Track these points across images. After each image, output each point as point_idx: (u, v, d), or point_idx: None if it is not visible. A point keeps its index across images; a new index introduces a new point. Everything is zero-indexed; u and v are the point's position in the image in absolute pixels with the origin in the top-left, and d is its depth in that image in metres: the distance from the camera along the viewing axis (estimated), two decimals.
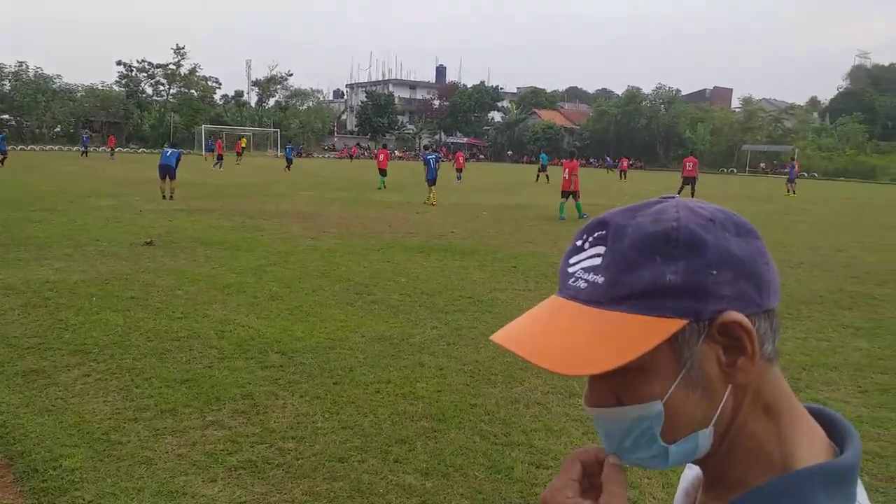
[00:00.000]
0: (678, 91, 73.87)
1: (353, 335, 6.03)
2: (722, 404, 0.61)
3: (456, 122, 79.33)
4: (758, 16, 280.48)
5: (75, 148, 53.35)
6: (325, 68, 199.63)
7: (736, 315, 0.59)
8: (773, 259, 0.64)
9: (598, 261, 0.62)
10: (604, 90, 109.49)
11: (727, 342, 0.60)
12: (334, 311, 6.82)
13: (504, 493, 3.47)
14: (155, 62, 65.99)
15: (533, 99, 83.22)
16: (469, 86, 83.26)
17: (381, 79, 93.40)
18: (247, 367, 5.14)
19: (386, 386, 4.84)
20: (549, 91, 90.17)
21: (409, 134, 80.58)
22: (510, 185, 30.65)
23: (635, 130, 70.15)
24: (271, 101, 74.62)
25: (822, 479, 0.60)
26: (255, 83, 74.60)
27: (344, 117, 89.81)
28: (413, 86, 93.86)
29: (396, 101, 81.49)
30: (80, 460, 3.61)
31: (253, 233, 12.10)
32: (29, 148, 52.14)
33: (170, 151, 18.51)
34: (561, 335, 0.61)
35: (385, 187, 24.79)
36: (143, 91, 66.64)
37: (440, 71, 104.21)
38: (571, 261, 0.65)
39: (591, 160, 67.75)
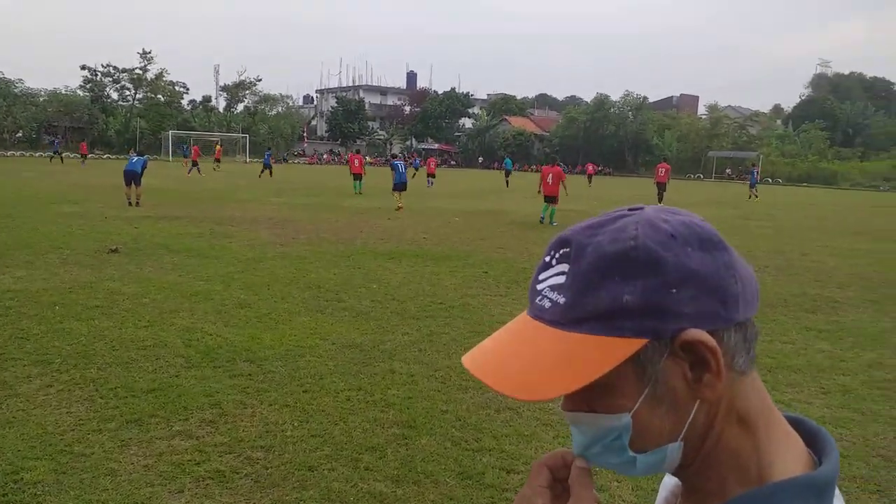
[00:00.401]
0: (645, 98, 74.83)
1: (323, 342, 5.99)
2: (690, 419, 0.61)
3: (427, 128, 79.37)
4: (724, 25, 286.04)
5: (38, 154, 52.28)
6: (294, 74, 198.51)
7: (696, 333, 0.58)
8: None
9: (562, 279, 0.62)
10: (573, 97, 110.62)
11: (692, 359, 0.59)
12: (304, 319, 6.77)
13: (475, 498, 3.47)
14: (121, 66, 64.98)
15: (503, 106, 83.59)
16: (440, 92, 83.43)
17: (351, 84, 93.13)
18: (214, 375, 5.07)
19: (356, 393, 4.81)
20: (519, 98, 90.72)
21: (379, 140, 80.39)
22: (481, 191, 30.75)
23: (604, 137, 70.87)
24: (240, 107, 73.88)
25: (798, 492, 0.59)
26: (224, 88, 73.80)
27: (314, 123, 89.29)
28: (384, 92, 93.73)
29: (367, 106, 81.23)
30: (42, 473, 3.52)
31: (221, 240, 11.96)
32: None
33: (135, 158, 18.22)
34: (522, 359, 0.61)
35: (361, 192, 24.97)
36: (109, 96, 65.39)
37: (411, 77, 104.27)
38: (540, 277, 0.65)
39: (561, 167, 68.08)
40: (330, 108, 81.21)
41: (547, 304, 0.62)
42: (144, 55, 64.94)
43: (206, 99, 74.30)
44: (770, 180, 60.19)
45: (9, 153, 52.37)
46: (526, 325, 0.64)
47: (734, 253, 0.62)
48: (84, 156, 43.37)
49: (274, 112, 75.15)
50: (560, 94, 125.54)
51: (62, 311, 6.68)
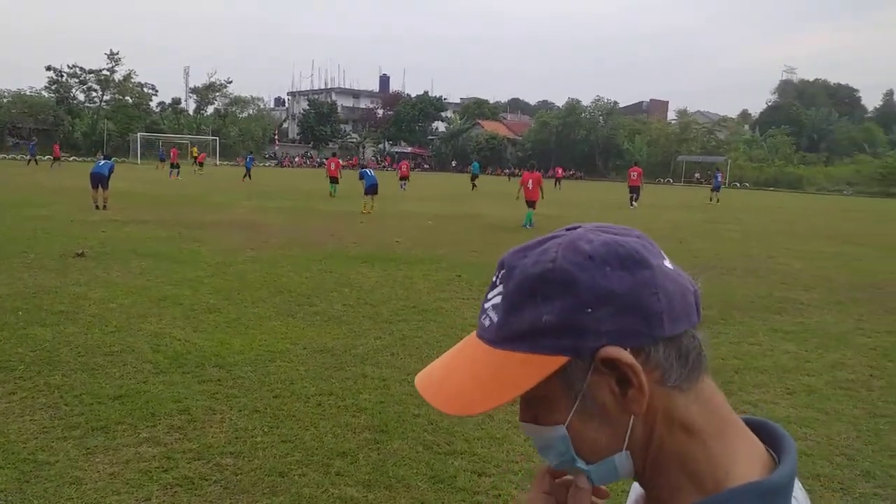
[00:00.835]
0: (616, 103, 75.60)
1: (294, 347, 5.94)
2: (629, 431, 0.63)
3: (400, 131, 79.25)
4: (693, 31, 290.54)
5: (1, 156, 51.12)
6: (265, 76, 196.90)
7: (613, 351, 0.60)
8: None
9: (499, 299, 0.66)
10: (545, 102, 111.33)
11: (617, 375, 0.61)
12: (275, 323, 6.71)
13: (447, 502, 3.47)
14: (87, 67, 63.86)
15: (476, 110, 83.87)
16: (413, 95, 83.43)
17: (323, 87, 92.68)
18: (183, 381, 5.00)
19: (328, 398, 4.79)
20: (491, 102, 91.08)
21: (352, 143, 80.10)
22: (455, 195, 30.80)
23: (575, 141, 71.42)
24: (210, 109, 73.09)
25: (753, 497, 0.60)
26: (194, 90, 72.95)
27: (285, 125, 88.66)
28: (356, 95, 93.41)
29: (339, 109, 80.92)
30: (5, 482, 3.44)
31: (190, 244, 11.81)
32: None
33: (102, 161, 17.92)
34: (459, 375, 0.66)
35: (335, 195, 25.34)
36: (75, 97, 64.23)
37: (384, 80, 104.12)
38: (488, 296, 0.68)
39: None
40: (302, 111, 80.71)
41: (487, 322, 0.67)
42: (112, 56, 63.94)
43: (176, 101, 73.35)
44: (738, 184, 61.21)
45: None
46: (469, 344, 0.69)
47: (659, 269, 0.63)
48: (56, 158, 42.47)
49: (245, 114, 74.48)
50: (532, 99, 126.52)
51: (26, 316, 6.54)
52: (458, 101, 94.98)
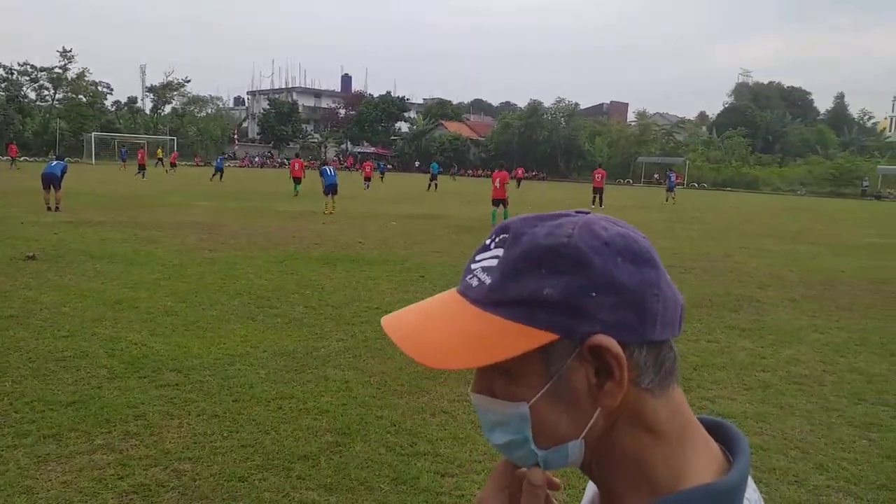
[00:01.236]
0: (577, 105, 76.44)
1: (254, 350, 5.85)
2: (591, 422, 0.62)
3: (363, 131, 78.82)
4: (653, 33, 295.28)
5: None
6: (225, 75, 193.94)
7: (605, 339, 0.59)
8: (665, 266, 0.64)
9: (494, 262, 0.63)
10: (507, 103, 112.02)
11: (597, 364, 0.60)
12: (234, 326, 6.60)
13: (410, 503, 3.46)
14: (39, 65, 62.08)
15: (439, 110, 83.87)
16: (375, 96, 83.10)
17: (284, 87, 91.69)
18: (139, 386, 4.89)
19: (289, 401, 4.72)
20: (454, 103, 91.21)
21: (314, 143, 79.42)
22: (418, 195, 30.76)
23: (537, 142, 71.95)
24: (167, 108, 71.71)
25: (705, 499, 0.60)
26: (150, 89, 71.48)
27: (245, 125, 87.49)
28: (318, 94, 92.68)
29: (300, 109, 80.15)
30: None
31: (147, 245, 11.56)
32: None
33: (55, 162, 17.44)
34: (438, 328, 0.63)
35: (297, 195, 25.55)
36: (26, 96, 62.38)
37: (346, 80, 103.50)
38: (477, 258, 0.66)
39: (489, 172, 69.18)
40: (262, 110, 79.73)
41: (475, 282, 0.64)
42: (65, 54, 62.27)
43: (132, 100, 71.83)
44: (696, 185, 62.41)
45: None
46: (450, 299, 0.66)
47: (664, 274, 0.63)
48: (13, 158, 41.15)
49: (203, 114, 73.26)
50: (495, 100, 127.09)
51: None
52: (421, 101, 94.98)
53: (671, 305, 0.63)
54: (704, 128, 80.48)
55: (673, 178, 36.02)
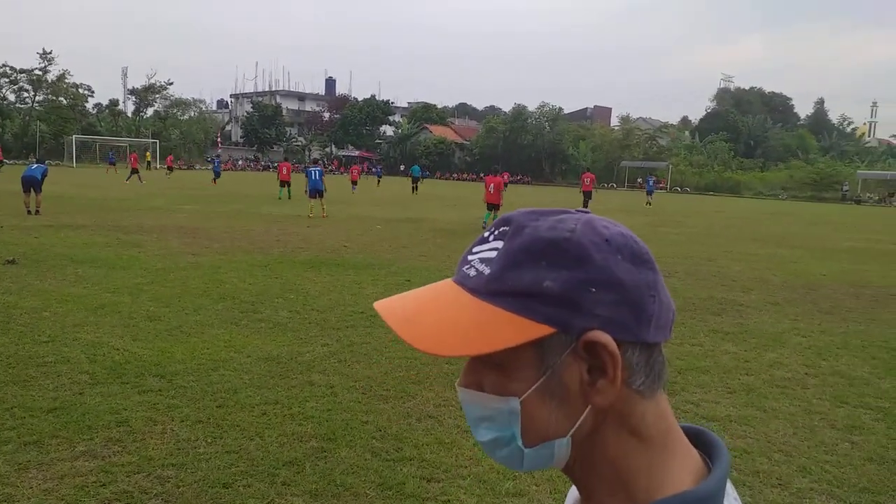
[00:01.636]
0: (561, 109, 76.75)
1: (238, 355, 5.81)
2: (580, 420, 0.62)
3: (347, 134, 78.69)
4: (635, 38, 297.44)
5: None
6: (208, 78, 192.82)
7: (602, 336, 0.59)
8: None
9: (493, 254, 0.63)
10: (492, 107, 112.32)
11: (592, 361, 0.60)
12: (218, 331, 6.55)
13: None
14: (18, 67, 61.40)
15: (424, 114, 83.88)
16: (360, 99, 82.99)
17: (267, 90, 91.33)
18: (122, 392, 4.83)
19: (273, 407, 4.69)
20: (439, 107, 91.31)
21: (298, 146, 79.15)
22: (403, 199, 30.74)
23: (522, 147, 72.19)
24: (150, 111, 71.15)
25: None
26: (132, 92, 70.95)
27: (228, 128, 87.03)
28: (302, 97, 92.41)
29: (284, 112, 79.89)
30: None
31: (129, 249, 11.44)
32: None
33: (35, 165, 17.24)
34: (433, 315, 0.62)
35: (290, 198, 25.88)
36: (5, 97, 61.70)
37: (330, 83, 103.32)
38: (475, 250, 0.66)
39: (482, 175, 69.43)
40: (245, 114, 79.37)
41: (472, 272, 0.64)
42: (45, 55, 61.73)
43: (114, 103, 71.25)
44: (679, 189, 62.90)
45: None
46: (446, 287, 0.66)
47: (661, 278, 0.64)
48: (1, 162, 40.67)
49: (186, 117, 72.79)
50: (479, 104, 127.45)
51: None
52: (406, 105, 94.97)
53: (665, 309, 0.63)
54: (687, 132, 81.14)
55: (651, 182, 36.82)
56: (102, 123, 65.62)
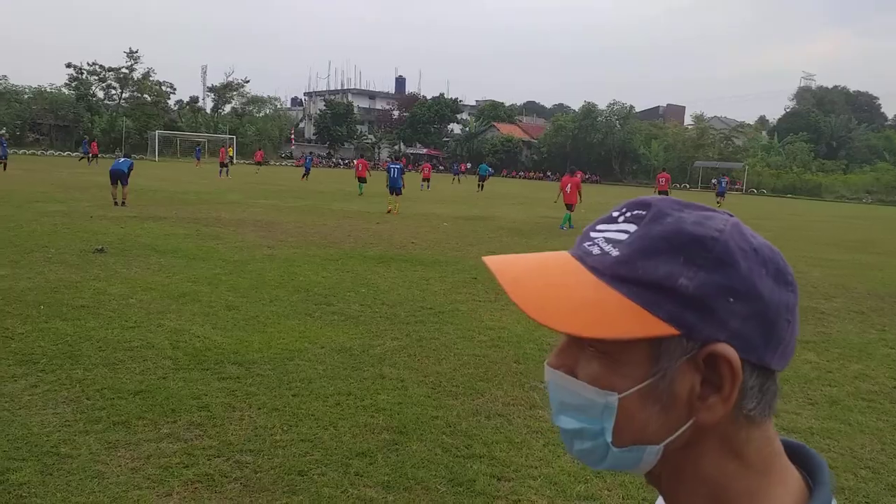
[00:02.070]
0: (632, 107, 75.22)
1: (313, 346, 5.95)
2: (679, 432, 0.58)
3: (416, 132, 79.33)
4: (711, 37, 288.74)
5: (22, 151, 51.73)
6: (283, 76, 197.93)
7: (729, 350, 0.55)
8: None
9: (623, 236, 0.59)
10: (560, 105, 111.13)
11: (708, 374, 0.57)
12: (293, 322, 6.73)
13: None
14: (107, 65, 64.45)
15: (492, 112, 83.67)
16: (428, 97, 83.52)
17: (339, 88, 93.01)
18: (203, 378, 5.02)
19: (346, 398, 4.79)
20: (507, 105, 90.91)
21: (368, 143, 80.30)
22: (470, 197, 30.78)
23: (591, 145, 71.11)
24: (227, 108, 73.46)
25: None
26: (211, 89, 73.38)
27: (302, 125, 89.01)
28: (372, 96, 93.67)
29: (356, 110, 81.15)
30: (28, 474, 3.47)
31: (208, 241, 11.87)
32: None
33: (122, 159, 18.09)
34: (548, 285, 0.59)
35: (362, 193, 26.39)
36: (94, 94, 64.78)
37: (399, 82, 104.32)
38: (599, 227, 0.62)
39: (549, 174, 68.86)
40: (318, 111, 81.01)
41: (596, 250, 0.60)
42: (131, 54, 64.47)
43: (194, 99, 73.90)
44: (755, 191, 60.76)
45: None
46: (565, 260, 0.62)
47: (797, 304, 0.60)
48: (95, 155, 42.95)
49: (262, 114, 74.82)
50: (548, 103, 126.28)
51: (47, 310, 6.60)
52: (474, 103, 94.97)
53: (794, 339, 0.59)
54: (764, 133, 78.25)
55: (724, 184, 35.61)
56: (183, 119, 68.18)
